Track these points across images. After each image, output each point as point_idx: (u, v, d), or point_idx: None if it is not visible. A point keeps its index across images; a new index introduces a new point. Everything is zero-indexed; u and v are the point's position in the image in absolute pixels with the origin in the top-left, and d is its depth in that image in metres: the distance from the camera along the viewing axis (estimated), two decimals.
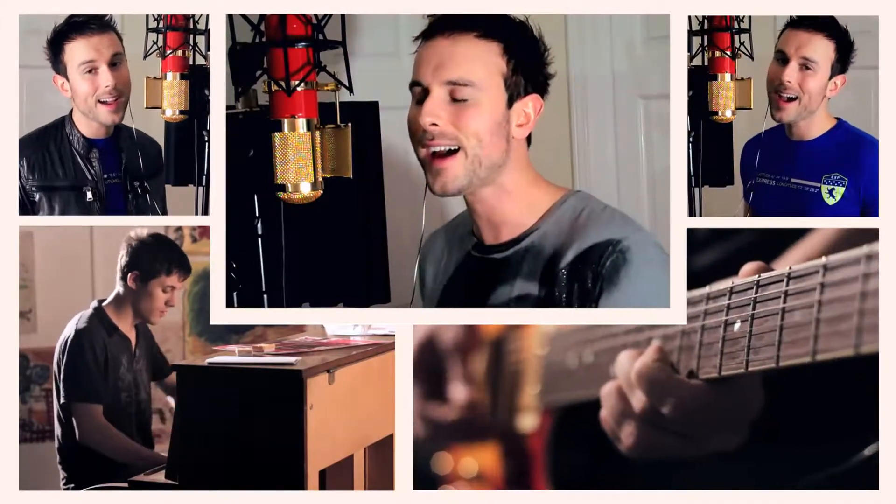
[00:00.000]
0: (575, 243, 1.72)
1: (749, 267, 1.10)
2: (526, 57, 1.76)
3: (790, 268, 0.99)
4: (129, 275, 2.56)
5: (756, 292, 1.03)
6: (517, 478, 1.56)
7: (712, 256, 1.59)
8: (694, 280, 1.24)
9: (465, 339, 1.63)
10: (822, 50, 2.16)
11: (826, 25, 2.15)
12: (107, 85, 2.16)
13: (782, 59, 2.19)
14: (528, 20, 1.78)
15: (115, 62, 2.17)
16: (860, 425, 1.44)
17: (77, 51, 2.15)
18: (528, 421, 1.52)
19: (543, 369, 1.49)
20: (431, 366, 1.60)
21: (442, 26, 1.74)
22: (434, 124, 1.71)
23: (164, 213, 2.26)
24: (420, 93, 1.74)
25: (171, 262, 2.56)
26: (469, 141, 1.72)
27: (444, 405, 1.59)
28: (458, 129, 1.72)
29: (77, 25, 2.14)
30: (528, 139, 1.82)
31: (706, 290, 1.09)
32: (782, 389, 1.14)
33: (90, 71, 2.15)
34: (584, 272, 1.69)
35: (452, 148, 1.72)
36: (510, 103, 1.75)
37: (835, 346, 0.92)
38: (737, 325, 1.03)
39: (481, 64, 1.72)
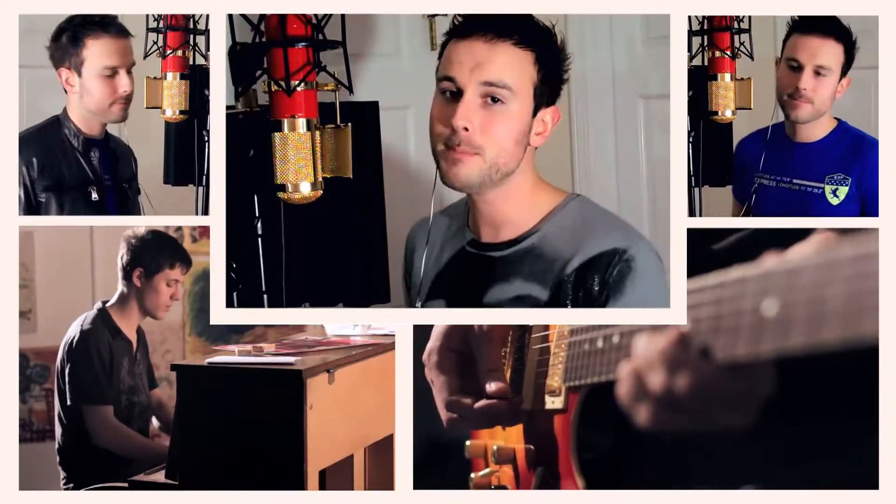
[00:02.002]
0: (579, 250, 1.75)
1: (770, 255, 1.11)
2: (553, 67, 1.79)
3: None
4: (134, 272, 2.57)
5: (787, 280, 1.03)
6: (543, 458, 1.56)
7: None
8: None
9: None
10: (833, 55, 2.17)
11: (834, 29, 2.15)
12: (125, 90, 2.16)
13: (796, 66, 2.19)
14: (553, 27, 1.80)
15: (130, 68, 2.17)
16: (870, 406, 1.45)
17: (101, 51, 2.13)
18: (553, 402, 1.52)
19: (569, 350, 1.50)
20: (462, 352, 1.60)
21: (479, 28, 1.75)
22: (466, 128, 1.72)
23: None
24: (452, 89, 1.74)
25: (173, 256, 2.60)
26: (492, 150, 1.74)
27: (479, 392, 1.59)
28: (485, 136, 1.73)
29: (102, 24, 2.13)
30: None
31: (736, 272, 1.09)
32: (795, 370, 1.15)
33: (111, 75, 2.15)
34: (591, 280, 1.73)
35: (474, 152, 1.74)
36: (535, 112, 1.77)
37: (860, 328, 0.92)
38: (764, 306, 1.03)
39: (518, 71, 1.74)
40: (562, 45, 1.81)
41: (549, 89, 1.78)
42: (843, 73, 2.18)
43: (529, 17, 1.79)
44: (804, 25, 2.18)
